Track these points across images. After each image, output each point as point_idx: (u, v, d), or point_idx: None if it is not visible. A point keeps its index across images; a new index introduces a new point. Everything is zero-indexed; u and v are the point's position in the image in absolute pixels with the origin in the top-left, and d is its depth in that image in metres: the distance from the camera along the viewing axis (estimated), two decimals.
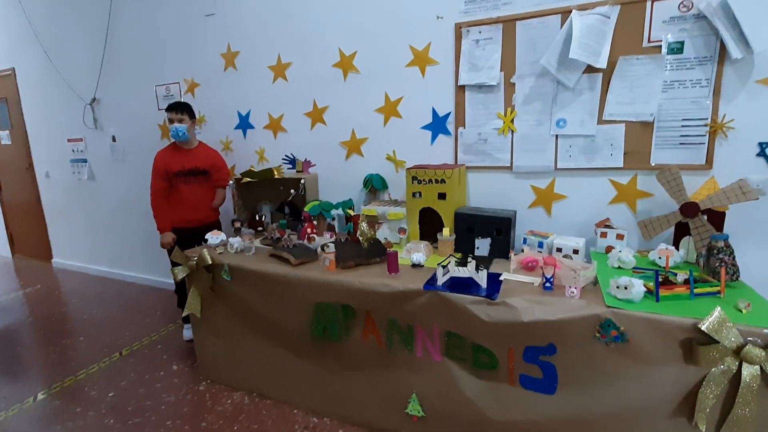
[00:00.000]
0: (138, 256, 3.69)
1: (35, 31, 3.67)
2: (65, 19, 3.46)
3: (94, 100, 3.49)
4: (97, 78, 3.40)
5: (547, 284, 1.45)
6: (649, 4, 1.67)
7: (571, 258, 1.66)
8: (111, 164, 3.57)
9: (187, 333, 2.60)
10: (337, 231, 2.24)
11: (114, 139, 3.49)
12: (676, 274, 1.42)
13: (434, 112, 2.17)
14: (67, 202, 4.05)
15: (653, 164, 1.77)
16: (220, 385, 2.17)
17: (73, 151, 3.80)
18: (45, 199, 4.27)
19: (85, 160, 3.75)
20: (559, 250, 1.71)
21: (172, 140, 2.47)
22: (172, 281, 2.59)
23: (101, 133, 3.56)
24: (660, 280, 1.33)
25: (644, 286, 1.32)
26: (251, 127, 2.78)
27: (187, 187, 2.47)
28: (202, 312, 2.05)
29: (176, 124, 2.37)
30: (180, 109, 2.40)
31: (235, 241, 2.07)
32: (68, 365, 2.42)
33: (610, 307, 1.28)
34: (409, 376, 1.64)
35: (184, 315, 2.08)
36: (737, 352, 1.15)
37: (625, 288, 1.29)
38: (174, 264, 2.06)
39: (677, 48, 1.66)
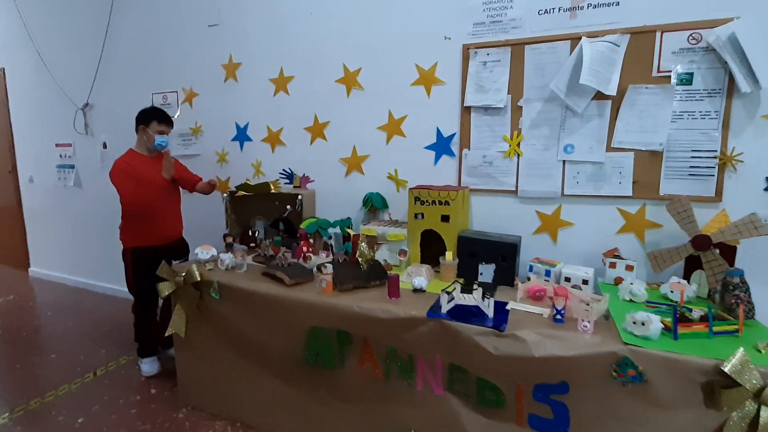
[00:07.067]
0: (120, 268, 3.51)
1: (29, 32, 3.58)
2: (62, 21, 3.39)
3: (86, 105, 3.39)
4: (91, 83, 3.31)
5: (558, 316, 1.37)
6: (658, 34, 1.67)
7: (581, 289, 1.59)
8: (100, 171, 3.44)
9: (147, 368, 2.34)
10: (334, 251, 2.15)
11: (105, 146, 3.37)
12: (691, 310, 1.36)
13: (438, 133, 2.13)
14: (50, 209, 3.88)
15: (663, 194, 1.74)
16: (202, 412, 2.01)
17: (61, 156, 3.67)
18: (27, 204, 4.10)
19: (72, 166, 3.61)
20: (567, 279, 1.64)
21: (153, 149, 2.29)
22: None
23: (92, 140, 3.44)
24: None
25: (661, 322, 1.26)
26: (249, 139, 2.70)
27: (156, 197, 2.25)
28: (186, 333, 1.92)
29: (165, 136, 2.27)
30: (172, 122, 2.34)
31: (227, 257, 1.96)
32: (36, 386, 2.24)
33: (627, 344, 1.21)
34: (408, 410, 1.53)
35: (167, 334, 1.94)
36: (757, 395, 1.08)
37: (643, 324, 1.23)
38: (158, 279, 1.94)
39: (687, 79, 1.66)
